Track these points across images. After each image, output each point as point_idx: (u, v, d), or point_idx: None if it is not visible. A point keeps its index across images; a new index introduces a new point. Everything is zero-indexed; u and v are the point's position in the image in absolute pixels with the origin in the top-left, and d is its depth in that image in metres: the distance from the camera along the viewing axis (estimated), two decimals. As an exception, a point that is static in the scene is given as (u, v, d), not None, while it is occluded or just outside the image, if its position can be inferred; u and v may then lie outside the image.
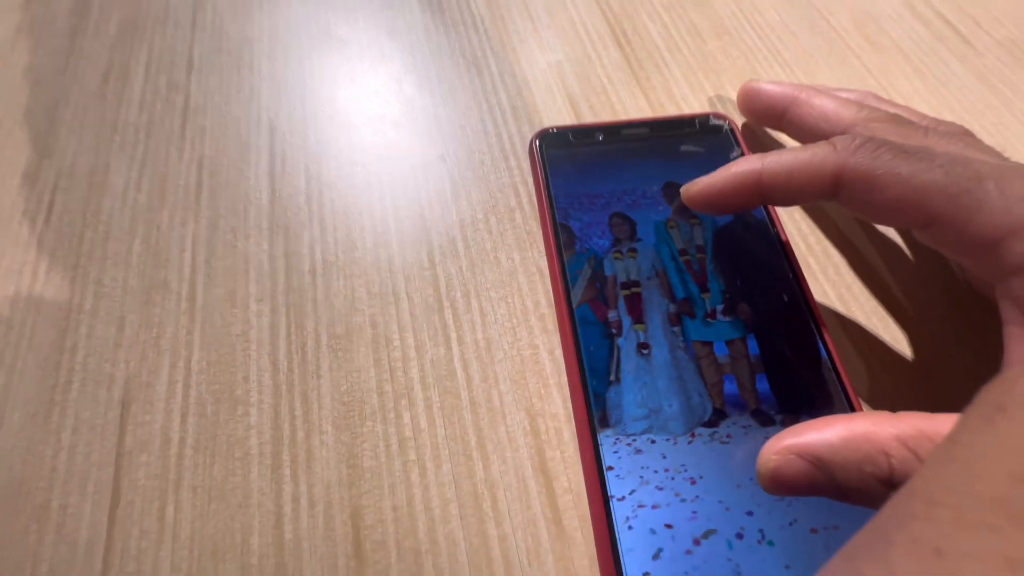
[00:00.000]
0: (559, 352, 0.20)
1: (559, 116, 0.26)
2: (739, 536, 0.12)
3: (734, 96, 0.26)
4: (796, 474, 0.13)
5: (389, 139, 0.25)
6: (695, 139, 0.23)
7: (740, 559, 0.12)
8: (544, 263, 0.22)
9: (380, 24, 0.29)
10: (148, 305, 0.21)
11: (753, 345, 0.16)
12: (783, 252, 0.20)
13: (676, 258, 0.17)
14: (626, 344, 0.15)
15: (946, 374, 0.19)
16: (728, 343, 0.16)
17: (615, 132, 0.24)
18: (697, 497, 0.13)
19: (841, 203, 0.17)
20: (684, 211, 0.19)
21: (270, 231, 0.23)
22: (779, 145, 0.25)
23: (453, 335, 0.20)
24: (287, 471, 0.18)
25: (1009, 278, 0.15)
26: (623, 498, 0.13)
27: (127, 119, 0.26)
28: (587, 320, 0.15)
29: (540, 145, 0.23)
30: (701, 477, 0.13)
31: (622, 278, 0.16)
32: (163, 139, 0.25)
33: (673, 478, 0.13)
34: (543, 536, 0.17)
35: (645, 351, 0.15)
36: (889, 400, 0.19)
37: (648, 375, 0.15)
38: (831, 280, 0.21)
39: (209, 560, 0.16)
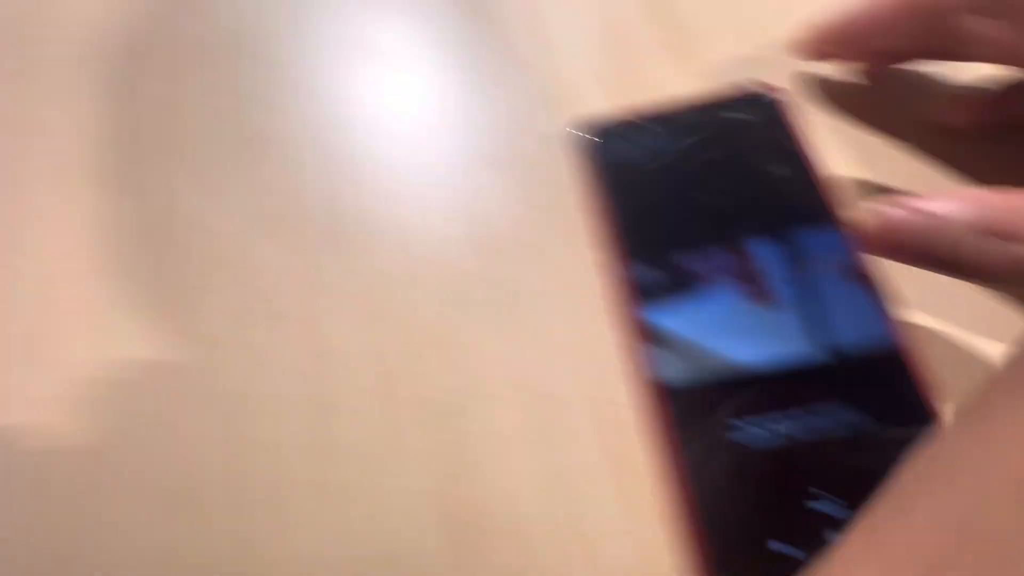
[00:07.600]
0: (618, 343, 0.20)
1: (595, 103, 0.26)
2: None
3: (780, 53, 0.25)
4: (906, 222, 0.15)
5: (426, 144, 0.26)
6: (747, 115, 0.23)
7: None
8: (596, 258, 0.22)
9: (412, 30, 0.30)
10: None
11: None
12: None
13: None
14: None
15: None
16: None
17: (663, 119, 0.23)
18: None
19: None
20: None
21: (336, 253, 0.24)
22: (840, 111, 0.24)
23: (515, 332, 0.21)
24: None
25: None
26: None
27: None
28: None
29: (582, 137, 0.24)
30: None
31: None
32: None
33: None
34: (616, 514, 0.18)
35: None
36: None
37: None
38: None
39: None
